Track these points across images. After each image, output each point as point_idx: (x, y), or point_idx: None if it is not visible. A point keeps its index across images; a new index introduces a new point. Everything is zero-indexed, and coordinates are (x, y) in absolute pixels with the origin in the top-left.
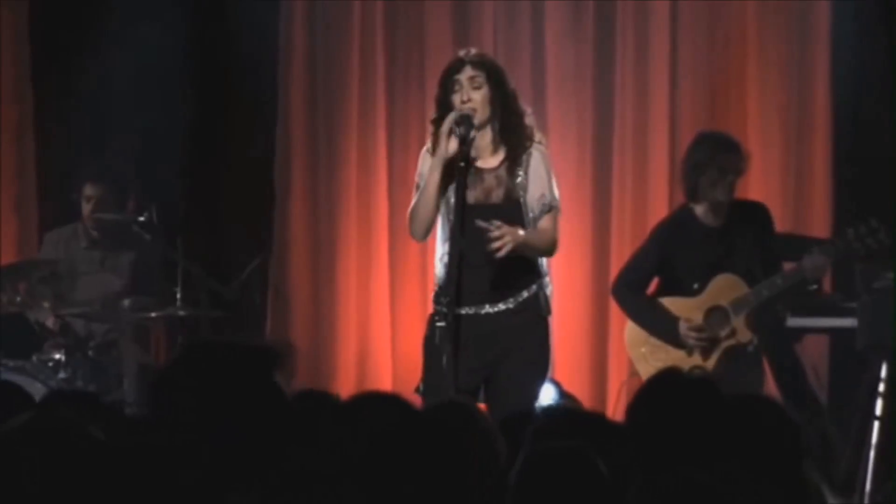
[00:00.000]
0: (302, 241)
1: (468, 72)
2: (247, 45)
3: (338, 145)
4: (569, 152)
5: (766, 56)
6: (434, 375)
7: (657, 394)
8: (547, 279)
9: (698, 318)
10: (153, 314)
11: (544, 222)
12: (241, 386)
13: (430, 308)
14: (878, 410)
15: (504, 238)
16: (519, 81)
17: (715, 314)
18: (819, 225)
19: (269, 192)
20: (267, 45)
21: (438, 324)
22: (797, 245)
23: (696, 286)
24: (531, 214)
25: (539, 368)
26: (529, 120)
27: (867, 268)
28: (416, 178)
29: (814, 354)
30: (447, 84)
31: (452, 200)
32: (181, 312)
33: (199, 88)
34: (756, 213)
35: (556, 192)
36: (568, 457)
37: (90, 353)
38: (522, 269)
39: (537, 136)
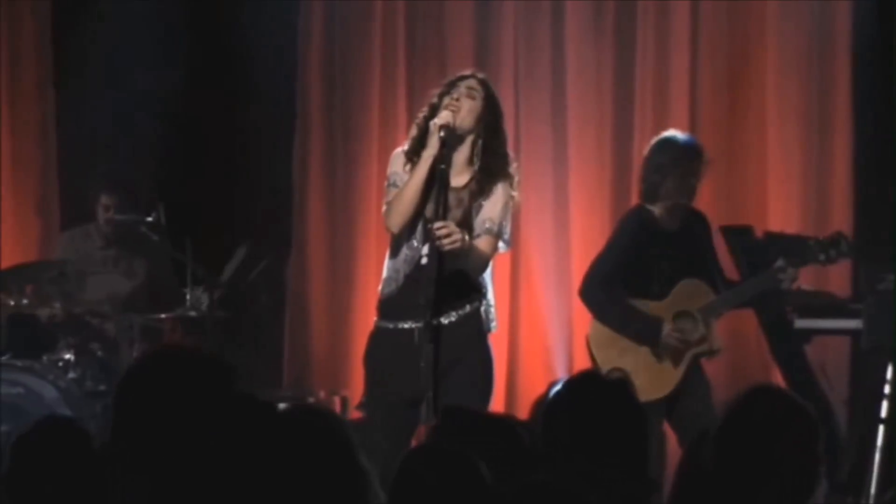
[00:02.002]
0: (320, 241)
1: (470, 83)
2: (266, 45)
3: (357, 145)
4: (588, 152)
5: (786, 56)
6: (377, 390)
7: (573, 396)
8: (489, 298)
9: (667, 322)
10: (162, 315)
11: (482, 243)
12: (198, 395)
13: None
14: (884, 412)
15: (454, 235)
16: (539, 80)
17: (683, 319)
18: (840, 227)
19: (288, 193)
20: (286, 45)
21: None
22: (772, 249)
23: (655, 288)
24: (474, 233)
25: (483, 381)
26: (514, 170)
27: (871, 270)
28: (390, 177)
29: (824, 355)
30: (445, 89)
31: (425, 209)
32: (191, 313)
33: (219, 89)
34: (703, 221)
35: (507, 229)
36: (444, 459)
37: (99, 353)
38: (466, 285)
39: (515, 185)
